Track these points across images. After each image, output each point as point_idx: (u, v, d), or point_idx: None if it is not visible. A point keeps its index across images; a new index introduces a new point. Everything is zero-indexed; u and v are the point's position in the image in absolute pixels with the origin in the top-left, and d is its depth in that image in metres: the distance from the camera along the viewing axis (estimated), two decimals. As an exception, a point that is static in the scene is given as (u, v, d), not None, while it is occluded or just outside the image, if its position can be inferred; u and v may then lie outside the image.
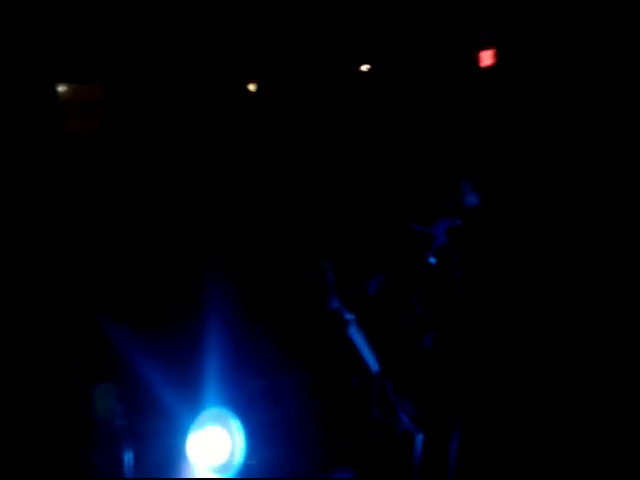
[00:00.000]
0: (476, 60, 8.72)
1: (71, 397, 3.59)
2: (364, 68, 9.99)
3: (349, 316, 2.09)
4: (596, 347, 2.02)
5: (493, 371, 1.94)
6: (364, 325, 2.04)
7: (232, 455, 3.10)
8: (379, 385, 1.99)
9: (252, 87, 9.71)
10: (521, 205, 2.09)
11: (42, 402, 3.70)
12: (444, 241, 2.01)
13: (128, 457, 3.15)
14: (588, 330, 2.03)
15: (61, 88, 9.70)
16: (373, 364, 2.03)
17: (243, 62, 10.01)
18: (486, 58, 8.55)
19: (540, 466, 1.93)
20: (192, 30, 9.77)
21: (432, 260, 2.03)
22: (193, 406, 3.24)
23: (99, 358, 3.99)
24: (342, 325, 2.07)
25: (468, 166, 2.08)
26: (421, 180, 2.17)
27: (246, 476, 3.14)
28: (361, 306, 2.07)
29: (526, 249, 2.00)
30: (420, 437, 2.02)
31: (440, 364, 1.91)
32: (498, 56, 8.61)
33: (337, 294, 2.10)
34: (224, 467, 3.11)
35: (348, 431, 3.34)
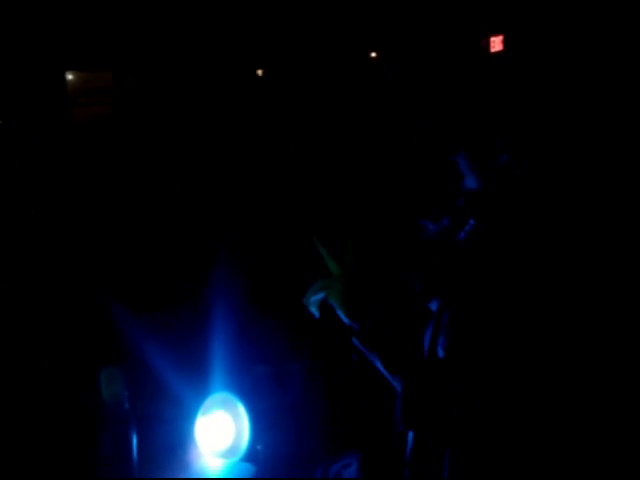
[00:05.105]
0: (486, 46, 8.67)
1: (77, 381, 3.59)
2: (374, 55, 9.95)
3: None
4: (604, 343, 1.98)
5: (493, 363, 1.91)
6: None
7: (238, 440, 3.09)
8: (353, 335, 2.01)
9: (260, 72, 9.70)
10: (531, 196, 2.04)
11: (47, 387, 3.70)
12: (455, 239, 1.98)
13: (134, 441, 3.14)
14: (597, 325, 1.99)
15: (70, 76, 9.71)
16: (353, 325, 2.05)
17: (251, 48, 9.98)
18: (496, 44, 8.49)
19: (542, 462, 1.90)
20: (201, 17, 9.75)
21: (442, 257, 2.00)
22: (199, 391, 3.23)
23: (105, 342, 3.99)
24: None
25: (475, 153, 2.04)
26: (431, 174, 2.14)
27: (252, 460, 3.13)
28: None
29: (535, 247, 1.96)
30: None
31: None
32: (508, 42, 8.54)
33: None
34: (230, 451, 3.10)
35: (355, 416, 3.34)
